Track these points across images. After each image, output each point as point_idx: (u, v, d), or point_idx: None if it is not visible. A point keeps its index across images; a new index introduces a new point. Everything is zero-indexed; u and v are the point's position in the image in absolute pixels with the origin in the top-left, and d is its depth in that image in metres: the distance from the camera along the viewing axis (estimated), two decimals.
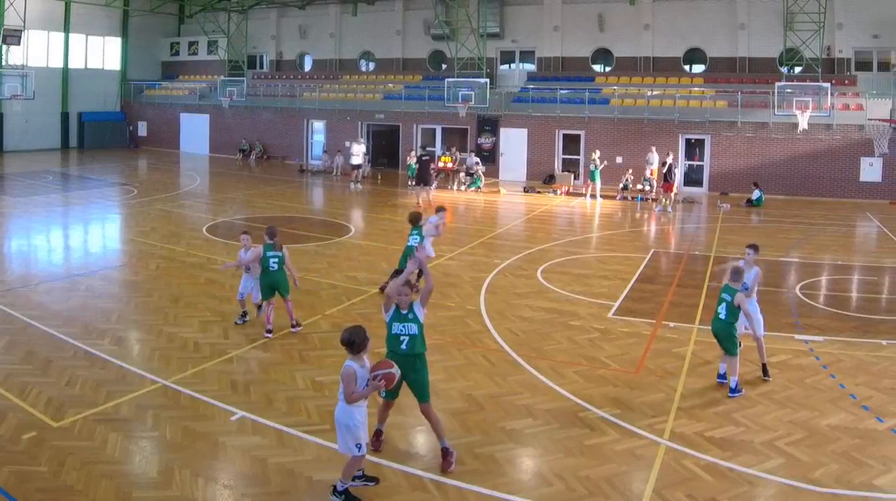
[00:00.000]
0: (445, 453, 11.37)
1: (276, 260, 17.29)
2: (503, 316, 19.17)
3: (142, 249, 26.31)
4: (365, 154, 47.65)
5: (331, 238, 29.16)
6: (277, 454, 11.50)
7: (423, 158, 40.93)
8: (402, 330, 11.39)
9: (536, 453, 12.02)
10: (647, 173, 45.02)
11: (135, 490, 10.35)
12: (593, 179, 43.69)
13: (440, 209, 22.91)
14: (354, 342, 10.22)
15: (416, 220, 21.36)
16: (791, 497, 10.77)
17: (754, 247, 16.83)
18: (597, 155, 44.07)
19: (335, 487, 10.32)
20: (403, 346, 11.42)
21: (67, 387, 13.77)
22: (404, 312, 11.40)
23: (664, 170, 39.33)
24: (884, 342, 17.70)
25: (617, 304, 20.74)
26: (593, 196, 43.99)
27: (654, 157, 44.68)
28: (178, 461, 11.11)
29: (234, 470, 11.07)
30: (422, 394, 11.59)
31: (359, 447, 10.13)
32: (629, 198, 43.81)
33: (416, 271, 13.74)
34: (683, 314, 19.82)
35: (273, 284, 17.31)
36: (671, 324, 18.90)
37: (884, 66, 50.74)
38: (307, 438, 12.02)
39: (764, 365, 15.38)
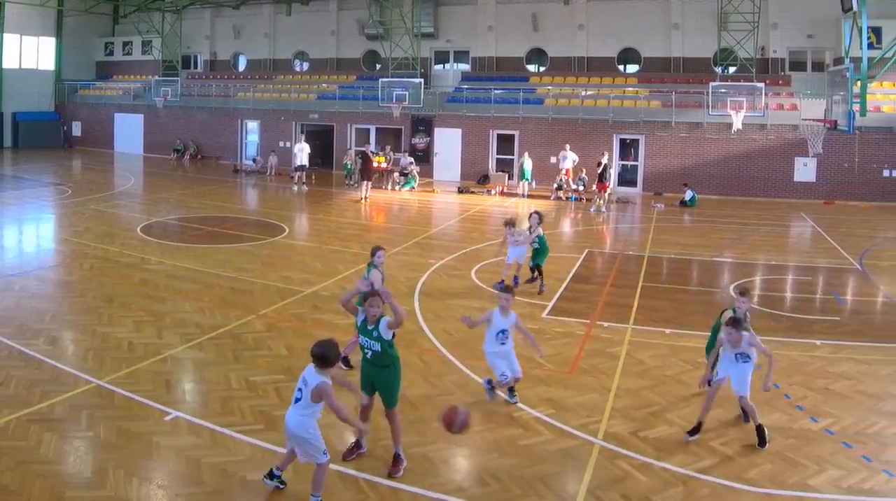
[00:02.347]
0: (397, 459, 11.38)
1: None
2: (438, 317, 19.20)
3: (76, 249, 26.07)
4: (309, 154, 47.47)
5: (265, 238, 29.03)
6: (211, 454, 11.43)
7: (366, 153, 41.00)
8: (366, 344, 11.48)
9: (471, 453, 12.09)
10: (563, 173, 45.13)
11: (69, 489, 10.28)
12: (524, 178, 44.42)
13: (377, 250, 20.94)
14: (328, 357, 10.04)
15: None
16: (725, 496, 10.86)
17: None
18: (526, 156, 45.04)
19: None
20: (369, 356, 11.53)
21: (1, 387, 13.65)
22: (370, 327, 11.36)
23: (598, 170, 39.56)
24: (818, 342, 17.87)
25: (551, 304, 20.81)
26: (524, 195, 44.50)
27: (569, 156, 45.03)
28: (113, 461, 11.05)
29: (168, 470, 11.01)
30: (388, 401, 11.61)
31: (324, 453, 10.12)
32: (563, 198, 44.03)
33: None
34: (617, 314, 19.88)
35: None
36: (605, 324, 18.97)
37: (818, 66, 51.40)
38: (241, 438, 11.97)
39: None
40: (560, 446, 12.11)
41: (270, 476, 10.55)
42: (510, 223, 22.31)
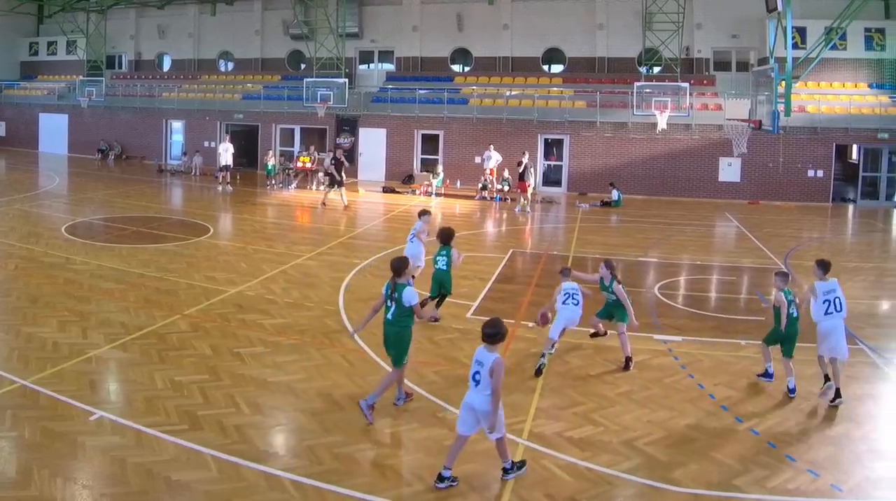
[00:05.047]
0: (372, 408, 13.02)
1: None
2: (362, 316, 18.89)
3: (0, 249, 25.86)
4: (233, 154, 47.24)
5: (189, 238, 28.89)
6: (136, 454, 11.37)
7: (337, 158, 39.83)
8: (389, 305, 13.37)
9: (396, 453, 12.13)
10: (487, 172, 45.43)
11: None
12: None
13: (424, 213, 21.58)
14: (498, 334, 10.79)
15: (447, 239, 19.28)
16: (650, 496, 10.96)
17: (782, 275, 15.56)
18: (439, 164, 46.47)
19: (505, 468, 11.17)
20: (389, 316, 13.36)
21: None
22: (393, 291, 13.31)
23: (519, 170, 39.81)
24: (742, 342, 18.07)
25: (476, 304, 20.95)
26: (438, 194, 45.54)
27: (493, 156, 45.35)
28: (37, 460, 10.98)
29: (93, 470, 10.94)
30: (395, 359, 13.43)
31: (504, 425, 11.08)
32: (488, 198, 44.33)
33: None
34: None
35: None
36: (530, 324, 18.92)
37: (742, 66, 52.46)
38: (166, 438, 11.90)
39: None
40: (485, 446, 11.85)
41: (441, 479, 10.90)
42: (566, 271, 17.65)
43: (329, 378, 14.89)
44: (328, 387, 14.34)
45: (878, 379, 16.10)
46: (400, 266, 13.42)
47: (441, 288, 19.07)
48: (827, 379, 14.63)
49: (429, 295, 19.14)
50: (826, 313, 14.80)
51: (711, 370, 16.24)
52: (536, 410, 13.77)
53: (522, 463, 11.46)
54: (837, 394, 14.39)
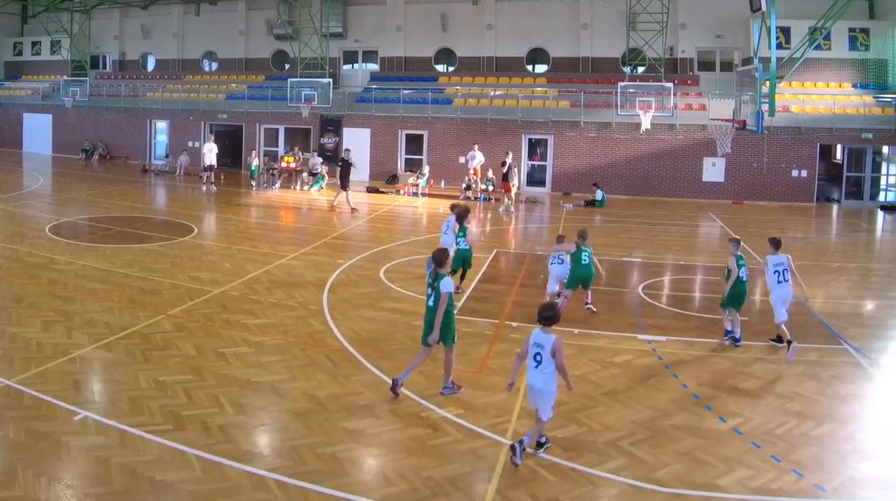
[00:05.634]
0: (452, 385, 14.45)
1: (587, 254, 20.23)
2: (346, 317, 19.18)
3: None
4: (217, 154, 47.17)
5: (174, 238, 28.82)
6: (120, 454, 11.33)
7: (346, 161, 39.01)
8: (429, 292, 14.34)
9: (379, 453, 12.04)
10: (471, 172, 45.51)
11: None
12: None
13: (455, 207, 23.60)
14: (555, 316, 11.94)
15: (463, 217, 22.25)
16: (634, 497, 10.93)
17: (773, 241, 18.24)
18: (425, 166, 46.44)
19: (539, 442, 12.12)
20: (430, 303, 14.26)
21: None
22: (432, 280, 14.32)
23: (503, 170, 39.83)
24: (726, 342, 18.02)
25: (460, 304, 20.57)
26: (423, 194, 45.54)
27: (477, 156, 45.42)
28: (21, 460, 10.96)
29: (77, 470, 10.90)
30: (443, 339, 14.18)
31: (552, 408, 11.92)
32: (472, 198, 44.25)
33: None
34: (526, 314, 19.42)
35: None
36: (514, 324, 19.04)
37: (726, 66, 52.43)
38: (150, 438, 11.85)
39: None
40: (469, 446, 12.12)
41: (539, 445, 12.14)
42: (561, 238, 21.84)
43: (313, 378, 14.87)
44: (312, 387, 14.32)
45: (863, 380, 16.08)
46: (441, 257, 14.32)
47: (463, 264, 21.27)
48: (789, 342, 16.92)
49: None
50: (778, 282, 17.62)
51: (695, 370, 16.23)
52: (520, 410, 13.66)
53: (548, 441, 12.28)
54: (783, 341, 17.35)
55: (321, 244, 29.02)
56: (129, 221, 32.48)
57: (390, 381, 14.16)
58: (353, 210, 37.97)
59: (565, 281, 20.27)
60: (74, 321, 17.95)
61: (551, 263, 20.76)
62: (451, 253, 20.61)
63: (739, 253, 18.17)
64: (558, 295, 20.26)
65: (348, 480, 11.09)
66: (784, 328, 17.22)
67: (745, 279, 17.86)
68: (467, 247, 21.99)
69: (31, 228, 30.03)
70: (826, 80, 48.45)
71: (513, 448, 11.54)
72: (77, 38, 65.21)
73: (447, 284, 14.00)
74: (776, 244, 17.98)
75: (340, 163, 38.79)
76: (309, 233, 32.12)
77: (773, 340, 18.03)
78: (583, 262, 20.06)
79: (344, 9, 60.17)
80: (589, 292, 20.74)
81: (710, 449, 12.34)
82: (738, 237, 19.11)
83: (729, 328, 18.22)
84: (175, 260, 25.12)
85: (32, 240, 27.52)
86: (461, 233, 21.92)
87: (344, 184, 38.19)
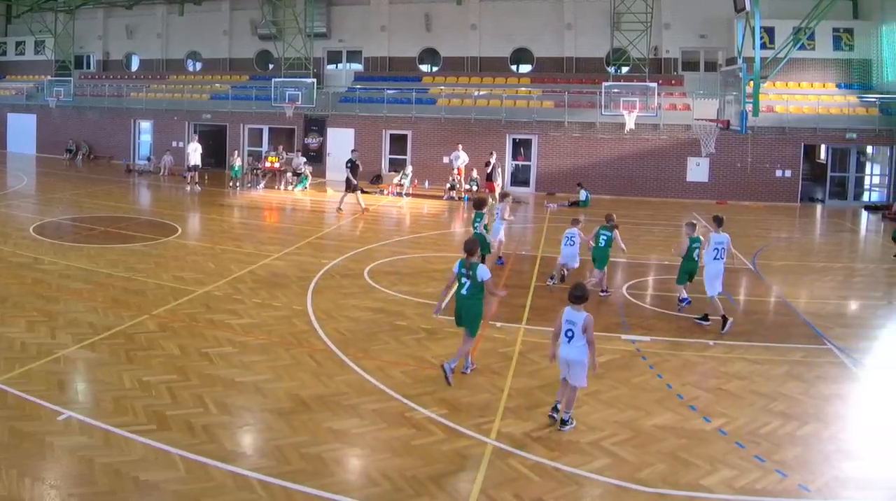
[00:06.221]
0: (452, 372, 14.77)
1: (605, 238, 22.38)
2: (330, 317, 19.13)
3: None
4: (201, 154, 47.10)
5: (157, 238, 28.72)
6: (104, 454, 11.28)
7: (353, 162, 38.40)
8: (464, 280, 14.90)
9: (363, 453, 11.99)
10: (455, 172, 45.70)
11: None
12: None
13: (504, 196, 26.17)
14: (585, 296, 12.85)
15: (480, 205, 23.61)
16: (618, 496, 10.90)
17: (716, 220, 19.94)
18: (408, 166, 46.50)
19: (563, 420, 12.92)
20: (464, 291, 14.94)
21: None
22: (467, 268, 14.83)
23: (487, 170, 39.84)
24: (711, 342, 18.06)
25: (443, 304, 20.85)
26: (407, 194, 45.45)
27: (461, 156, 45.58)
28: (5, 461, 10.91)
29: (61, 470, 10.86)
30: (471, 329, 15.15)
31: (586, 378, 12.89)
32: (456, 198, 44.37)
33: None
34: (510, 314, 19.93)
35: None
36: (498, 324, 19.01)
37: (711, 66, 52.62)
38: (134, 438, 11.82)
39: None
40: (453, 446, 12.12)
41: (563, 422, 12.96)
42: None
43: (297, 378, 14.83)
44: (296, 387, 14.29)
45: (847, 380, 16.09)
46: (472, 247, 14.89)
47: (481, 248, 20.39)
48: (724, 317, 18.85)
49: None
50: (714, 259, 19.36)
51: (679, 370, 16.22)
52: (504, 410, 13.66)
53: (572, 419, 13.00)
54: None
55: (305, 244, 28.95)
56: (112, 221, 32.36)
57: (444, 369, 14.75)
58: (339, 209, 37.92)
59: (576, 261, 23.32)
60: (58, 321, 17.87)
61: (564, 244, 23.16)
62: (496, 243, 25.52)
63: (696, 236, 20.16)
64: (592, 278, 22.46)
65: (332, 480, 11.06)
66: (717, 302, 19.16)
67: (696, 259, 20.08)
68: (480, 233, 22.82)
69: (15, 228, 29.89)
70: (810, 80, 48.64)
71: (551, 416, 13.16)
72: (61, 38, 65.10)
73: (484, 271, 14.66)
74: (719, 222, 19.68)
75: (349, 164, 38.15)
76: (293, 233, 32.07)
77: (699, 319, 19.74)
78: (599, 244, 22.34)
79: (328, 9, 60.18)
80: (597, 271, 22.62)
81: (694, 449, 12.31)
82: (693, 221, 20.94)
83: (682, 296, 20.66)
84: (159, 260, 25.04)
85: (16, 239, 27.40)
86: (478, 218, 23.12)
87: (353, 185, 37.93)
